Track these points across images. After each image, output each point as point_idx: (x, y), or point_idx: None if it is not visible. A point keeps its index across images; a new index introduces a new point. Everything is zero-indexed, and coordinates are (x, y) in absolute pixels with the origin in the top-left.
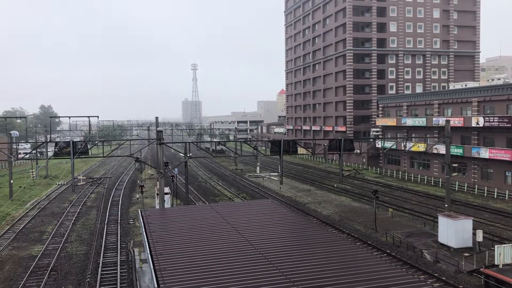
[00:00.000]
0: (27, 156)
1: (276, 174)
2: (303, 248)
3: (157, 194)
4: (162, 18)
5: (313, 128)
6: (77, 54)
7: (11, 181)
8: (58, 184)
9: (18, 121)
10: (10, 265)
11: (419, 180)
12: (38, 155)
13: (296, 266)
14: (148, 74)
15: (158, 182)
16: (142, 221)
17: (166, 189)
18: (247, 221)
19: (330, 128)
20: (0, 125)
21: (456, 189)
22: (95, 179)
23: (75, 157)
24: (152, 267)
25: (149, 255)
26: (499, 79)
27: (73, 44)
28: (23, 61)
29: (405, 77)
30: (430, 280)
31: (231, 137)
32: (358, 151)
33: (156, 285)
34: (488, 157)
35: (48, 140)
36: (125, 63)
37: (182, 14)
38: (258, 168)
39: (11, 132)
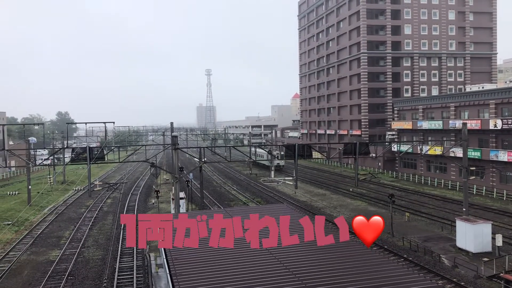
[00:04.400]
0: (45, 162)
1: (291, 178)
2: (318, 253)
3: (173, 199)
4: (173, 25)
5: (328, 132)
6: (91, 62)
7: (29, 187)
8: (75, 190)
9: (36, 127)
10: (28, 270)
11: (436, 184)
12: (56, 161)
13: (311, 271)
14: (163, 80)
15: (173, 187)
16: None
17: (182, 194)
18: None
19: (345, 132)
20: (18, 132)
21: (474, 192)
22: (111, 185)
23: (91, 162)
24: (168, 272)
25: (165, 260)
26: None
27: (86, 53)
28: (38, 69)
29: (421, 79)
30: (449, 286)
31: (245, 142)
32: (374, 155)
33: None
34: (507, 160)
35: (65, 146)
36: (139, 70)
37: (193, 22)
38: (272, 172)
39: (29, 138)
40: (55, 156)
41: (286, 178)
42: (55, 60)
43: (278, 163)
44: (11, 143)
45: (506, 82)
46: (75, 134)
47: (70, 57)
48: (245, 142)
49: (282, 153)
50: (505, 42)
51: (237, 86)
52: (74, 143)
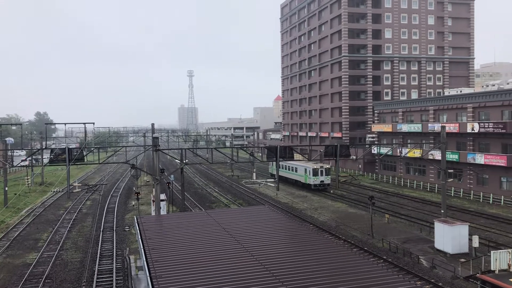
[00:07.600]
0: (23, 163)
1: (273, 180)
2: (299, 255)
3: (153, 201)
4: (156, 28)
5: (309, 134)
6: (72, 61)
7: (6, 188)
8: (54, 191)
9: (14, 128)
10: (4, 273)
11: (415, 186)
12: (34, 162)
13: (292, 272)
14: (144, 81)
15: (154, 189)
16: (138, 228)
17: (162, 196)
18: (243, 227)
19: (326, 134)
20: None
21: (452, 194)
22: (90, 186)
23: (70, 164)
24: (148, 274)
25: (145, 262)
26: (493, 85)
27: (64, 54)
28: (18, 69)
29: (401, 83)
30: (427, 286)
31: (227, 143)
32: (354, 157)
33: None
34: (483, 163)
35: (44, 147)
36: (120, 71)
37: (177, 22)
38: (254, 174)
39: (6, 139)
40: (33, 157)
41: (268, 180)
42: (32, 61)
43: (322, 181)
44: None
45: (483, 86)
46: (54, 135)
47: (48, 57)
48: (227, 144)
49: (327, 167)
50: (482, 47)
51: (219, 88)
52: (53, 143)
